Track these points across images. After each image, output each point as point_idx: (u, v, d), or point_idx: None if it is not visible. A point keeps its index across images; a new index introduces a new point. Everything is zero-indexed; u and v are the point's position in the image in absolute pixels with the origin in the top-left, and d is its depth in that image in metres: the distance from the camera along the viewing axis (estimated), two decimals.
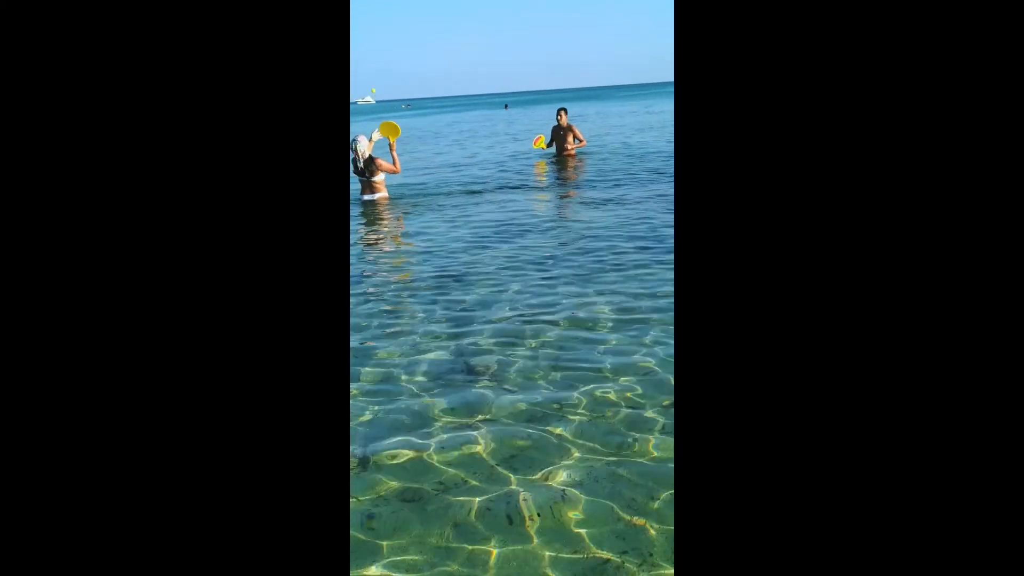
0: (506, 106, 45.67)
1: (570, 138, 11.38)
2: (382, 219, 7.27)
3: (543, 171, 10.40)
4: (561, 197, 8.28)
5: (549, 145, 11.59)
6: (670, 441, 2.43)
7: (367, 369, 3.23)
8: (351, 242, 6.04)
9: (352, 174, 7.95)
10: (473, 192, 8.66)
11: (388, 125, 8.21)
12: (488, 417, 2.73)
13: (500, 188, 8.87)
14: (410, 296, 4.40)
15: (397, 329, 3.77)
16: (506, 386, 2.99)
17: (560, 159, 11.28)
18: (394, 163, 8.07)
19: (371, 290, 4.55)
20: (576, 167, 10.50)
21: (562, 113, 11.50)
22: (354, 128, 10.96)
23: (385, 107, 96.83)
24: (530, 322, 3.75)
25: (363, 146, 7.83)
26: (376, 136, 8.05)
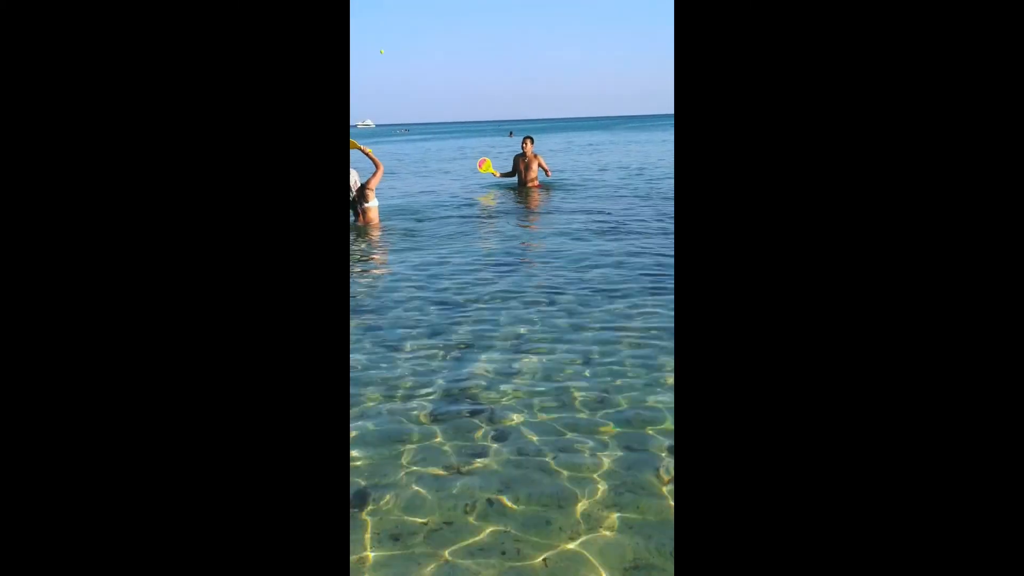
0: (511, 133, 45.88)
1: (534, 167, 11.22)
2: (375, 247, 7.37)
3: (490, 202, 10.32)
4: (526, 226, 8.38)
5: (509, 174, 11.49)
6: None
7: (365, 396, 3.21)
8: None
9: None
10: (465, 218, 8.78)
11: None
12: (487, 453, 2.70)
13: (493, 216, 8.97)
14: (404, 326, 4.40)
15: (392, 358, 3.76)
16: (505, 420, 2.97)
17: (523, 189, 11.15)
18: (376, 165, 8.16)
19: (366, 318, 4.60)
20: (540, 198, 10.41)
21: (527, 141, 11.34)
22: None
23: (384, 131, 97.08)
24: (527, 352, 3.75)
25: (353, 178, 8.09)
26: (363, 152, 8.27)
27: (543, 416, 2.98)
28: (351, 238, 7.68)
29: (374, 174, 8.14)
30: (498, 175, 11.48)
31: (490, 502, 2.33)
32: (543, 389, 3.25)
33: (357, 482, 2.48)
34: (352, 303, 4.98)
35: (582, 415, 2.98)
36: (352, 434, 2.84)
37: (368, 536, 2.17)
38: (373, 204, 8.18)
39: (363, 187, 8.11)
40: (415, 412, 3.05)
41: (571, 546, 2.08)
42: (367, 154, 8.15)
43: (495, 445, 2.75)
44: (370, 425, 2.94)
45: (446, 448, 2.73)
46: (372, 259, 6.84)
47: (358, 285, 5.62)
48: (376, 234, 7.86)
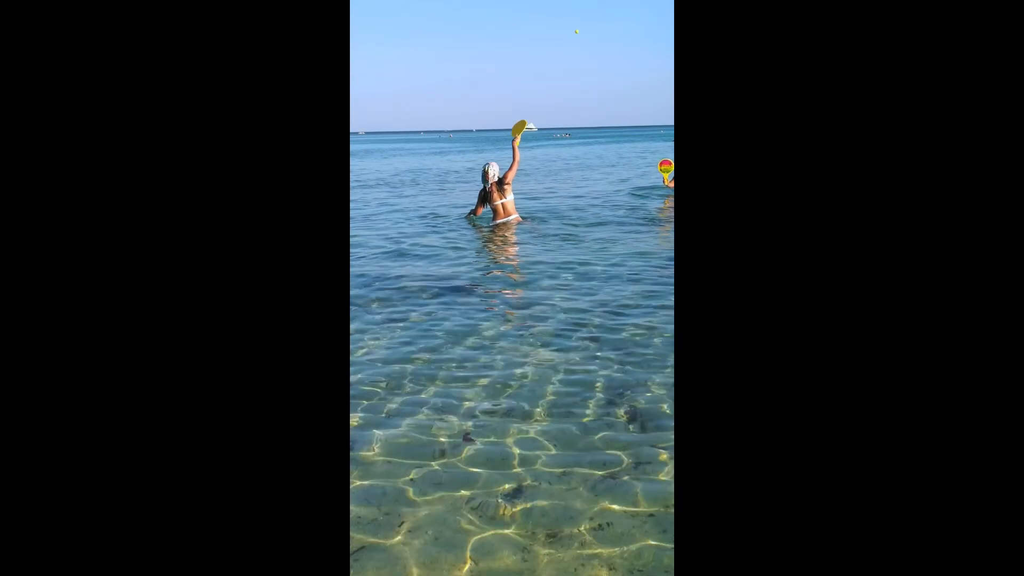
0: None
1: None
2: (509, 242, 7.35)
3: (668, 209, 9.86)
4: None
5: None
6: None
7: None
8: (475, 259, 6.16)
9: (481, 202, 8.49)
10: (606, 224, 8.57)
11: (518, 124, 8.70)
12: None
13: (644, 222, 8.67)
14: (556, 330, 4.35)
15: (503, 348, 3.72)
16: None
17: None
18: (514, 156, 8.29)
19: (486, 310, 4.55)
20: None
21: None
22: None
23: (544, 135, 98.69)
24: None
25: (493, 169, 8.29)
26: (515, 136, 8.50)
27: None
28: (486, 230, 7.77)
29: (511, 167, 8.20)
30: (670, 183, 10.47)
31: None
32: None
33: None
34: (483, 299, 4.95)
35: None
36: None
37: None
38: (510, 198, 8.28)
39: (501, 181, 8.20)
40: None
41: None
42: (514, 146, 8.28)
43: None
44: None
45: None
46: (507, 252, 6.82)
47: (496, 279, 5.59)
48: (513, 232, 7.87)
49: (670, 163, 10.64)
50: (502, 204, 8.22)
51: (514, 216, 8.29)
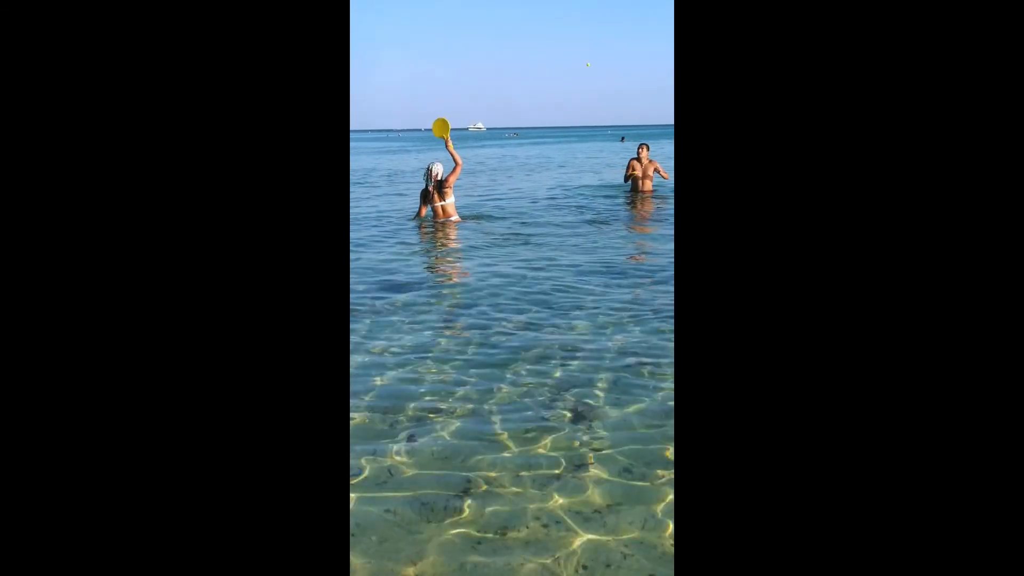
0: (623, 139, 45.55)
1: (650, 173, 11.01)
2: (450, 242, 7.35)
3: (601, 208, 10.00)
4: (634, 235, 8.10)
5: (627, 179, 11.26)
6: None
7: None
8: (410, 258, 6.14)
9: (424, 202, 8.45)
10: (550, 223, 8.62)
11: (439, 123, 8.31)
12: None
13: (586, 222, 8.76)
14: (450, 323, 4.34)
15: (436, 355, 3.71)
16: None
17: (637, 196, 10.90)
18: (455, 161, 8.21)
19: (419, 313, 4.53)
20: (654, 206, 10.19)
21: (643, 148, 11.19)
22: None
23: (493, 135, 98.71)
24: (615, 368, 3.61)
25: (437, 168, 8.25)
26: (446, 143, 8.27)
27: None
28: (428, 231, 7.75)
29: (454, 170, 8.18)
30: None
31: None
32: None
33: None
34: (412, 293, 4.92)
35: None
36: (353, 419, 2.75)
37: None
38: (451, 200, 8.27)
39: (442, 182, 8.18)
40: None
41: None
42: (449, 149, 8.18)
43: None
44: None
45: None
46: (445, 250, 6.81)
47: (422, 276, 5.57)
48: (454, 230, 7.87)
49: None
50: (442, 206, 8.26)
51: (454, 217, 8.32)
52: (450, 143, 8.26)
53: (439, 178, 8.25)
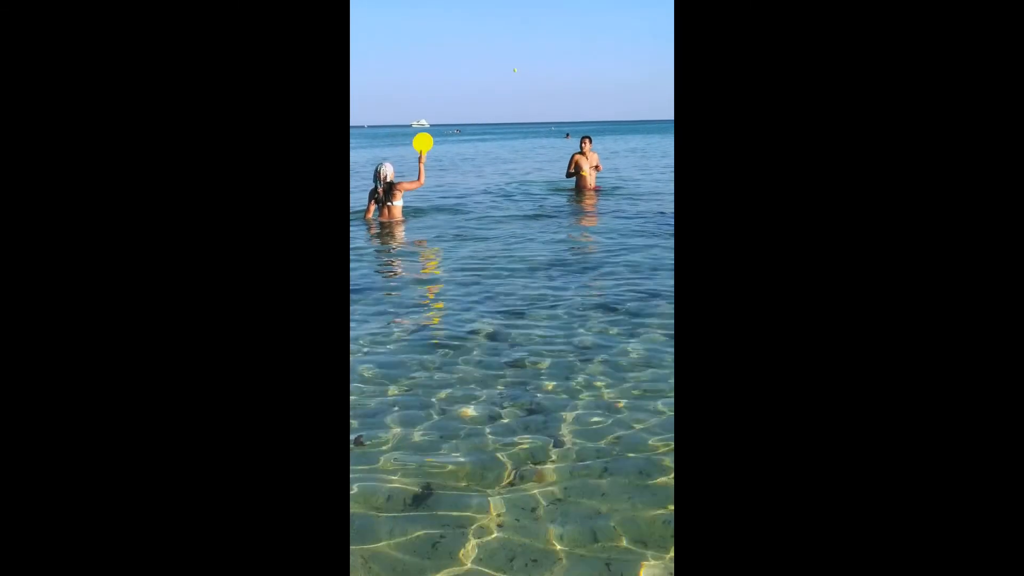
0: (568, 135, 45.69)
1: (594, 164, 11.03)
2: (398, 242, 7.34)
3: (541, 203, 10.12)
4: (578, 229, 8.22)
5: (570, 174, 11.33)
6: None
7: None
8: (356, 258, 6.12)
9: (372, 202, 8.36)
10: (490, 219, 8.69)
11: (423, 139, 8.47)
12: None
13: (532, 217, 8.83)
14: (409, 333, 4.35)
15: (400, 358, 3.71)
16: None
17: (580, 191, 11.00)
18: (419, 176, 8.25)
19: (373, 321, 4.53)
20: (597, 200, 10.34)
21: (586, 142, 11.16)
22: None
23: (436, 131, 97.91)
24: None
25: (387, 170, 8.19)
26: (421, 151, 8.30)
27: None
28: (376, 231, 7.73)
29: (413, 181, 8.18)
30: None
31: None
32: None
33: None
34: (363, 296, 4.92)
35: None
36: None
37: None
38: (399, 203, 8.29)
39: (393, 184, 8.14)
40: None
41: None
42: (420, 165, 8.18)
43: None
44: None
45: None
46: (395, 251, 6.80)
47: (367, 276, 5.56)
48: (400, 231, 7.88)
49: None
50: (388, 207, 8.22)
51: (399, 218, 8.31)
52: (424, 160, 8.30)
53: (388, 180, 8.20)
